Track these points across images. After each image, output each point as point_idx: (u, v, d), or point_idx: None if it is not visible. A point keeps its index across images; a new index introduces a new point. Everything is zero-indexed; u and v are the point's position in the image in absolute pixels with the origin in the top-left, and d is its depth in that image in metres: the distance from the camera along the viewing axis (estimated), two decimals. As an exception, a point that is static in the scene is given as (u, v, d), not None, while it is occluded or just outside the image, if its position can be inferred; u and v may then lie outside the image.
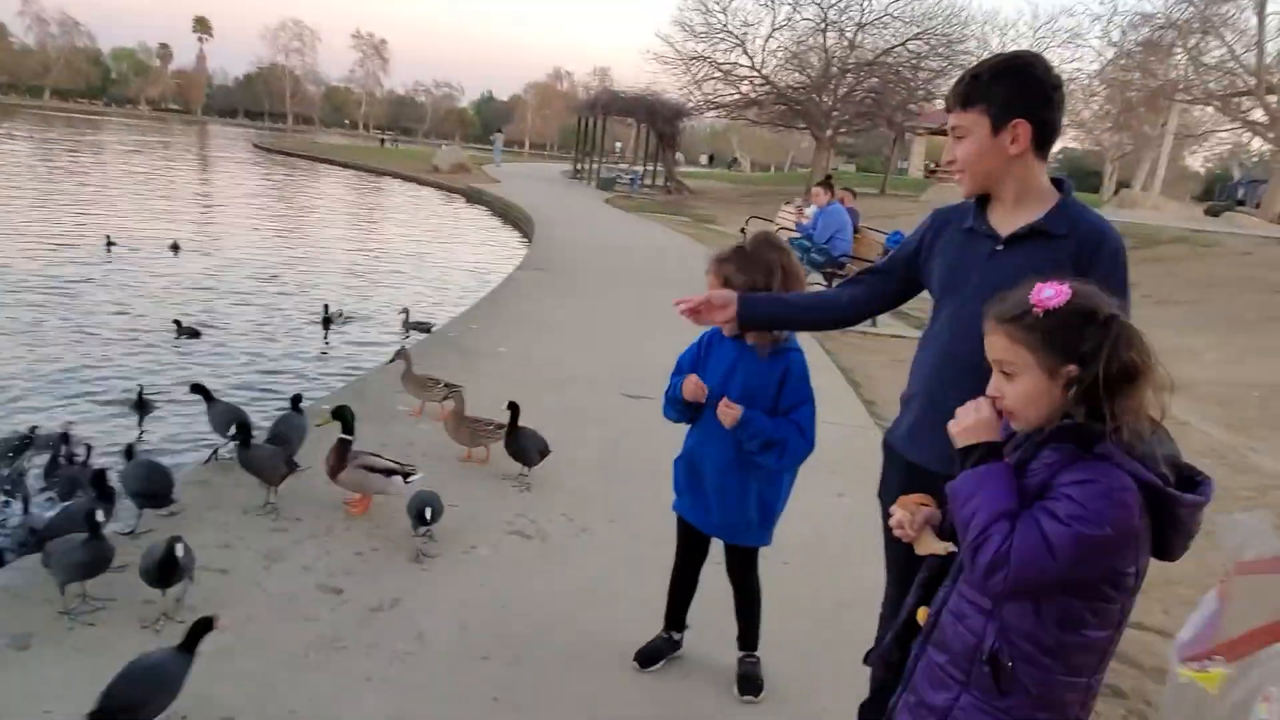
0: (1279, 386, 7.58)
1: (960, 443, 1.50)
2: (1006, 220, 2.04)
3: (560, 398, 5.60)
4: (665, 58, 31.90)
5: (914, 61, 30.22)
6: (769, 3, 31.29)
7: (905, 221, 14.08)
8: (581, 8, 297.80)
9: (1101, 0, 64.48)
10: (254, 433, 3.86)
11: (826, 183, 10.67)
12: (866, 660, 1.81)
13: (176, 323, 7.79)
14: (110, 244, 11.56)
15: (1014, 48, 31.19)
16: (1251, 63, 27.24)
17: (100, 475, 3.37)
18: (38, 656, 2.57)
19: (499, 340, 7.14)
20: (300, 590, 3.07)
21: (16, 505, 4.03)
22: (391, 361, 5.35)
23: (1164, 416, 1.41)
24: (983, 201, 2.10)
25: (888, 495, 2.13)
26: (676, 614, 2.89)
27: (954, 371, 2.00)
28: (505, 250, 16.35)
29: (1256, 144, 39.42)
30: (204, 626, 2.35)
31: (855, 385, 6.86)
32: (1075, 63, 35.47)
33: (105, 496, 3.27)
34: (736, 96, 32.20)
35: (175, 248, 11.96)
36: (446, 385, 4.95)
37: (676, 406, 2.62)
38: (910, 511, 1.65)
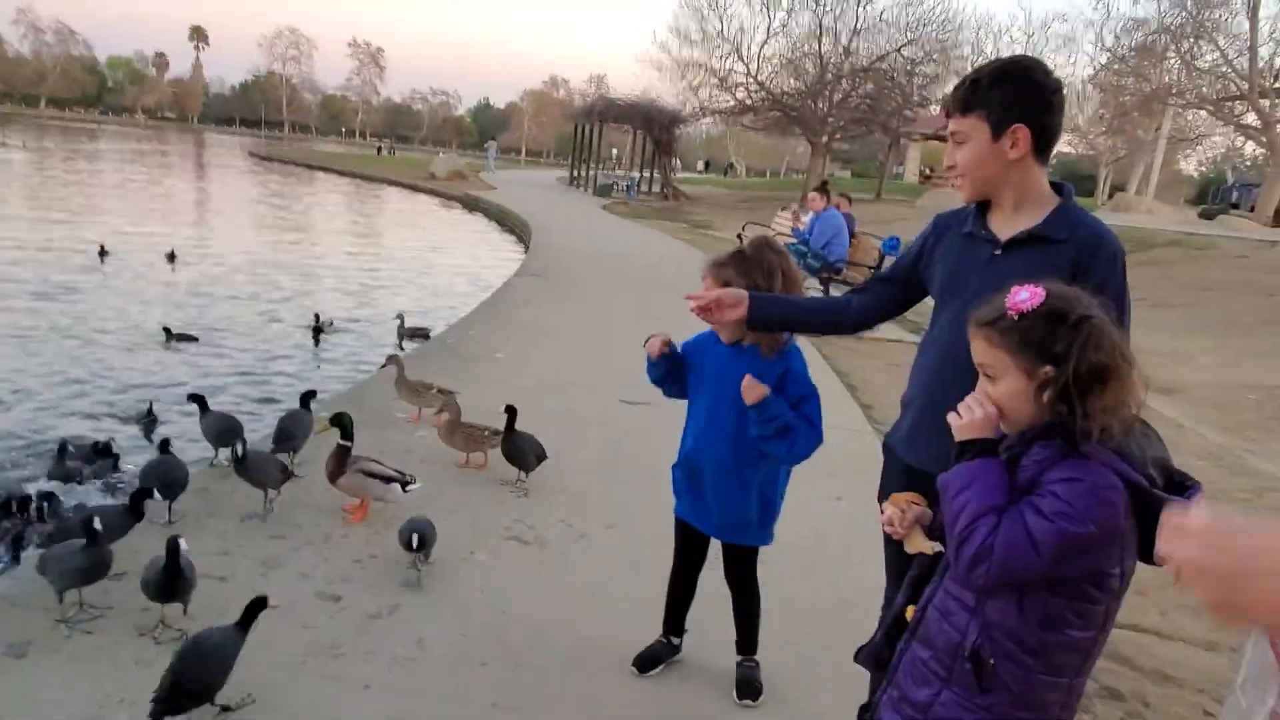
0: (1275, 389, 7.60)
1: (959, 436, 1.52)
2: (1006, 225, 2.05)
3: (558, 403, 5.60)
4: (661, 65, 32.12)
5: (909, 67, 30.35)
6: (764, 10, 31.50)
7: (901, 226, 14.13)
8: (578, 16, 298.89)
9: (1095, 5, 64.64)
10: (249, 437, 3.88)
11: (822, 188, 10.70)
12: (857, 658, 1.82)
13: (166, 330, 7.80)
14: (103, 253, 11.55)
15: (1008, 53, 31.35)
16: (1244, 67, 27.39)
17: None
18: (35, 664, 2.57)
19: (497, 346, 7.14)
20: (299, 597, 3.07)
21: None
22: (384, 367, 5.33)
23: (1138, 412, 1.43)
24: (983, 206, 2.11)
25: (887, 498, 2.14)
26: (675, 619, 2.89)
27: (953, 374, 2.01)
28: (502, 256, 16.37)
29: (1250, 148, 39.61)
30: (259, 605, 2.47)
31: (852, 389, 6.87)
32: (1069, 68, 35.54)
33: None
34: (732, 103, 32.33)
35: (171, 256, 11.96)
36: (440, 391, 4.95)
37: (655, 370, 2.63)
38: (901, 509, 1.67)
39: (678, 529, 2.80)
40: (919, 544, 1.64)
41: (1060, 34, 64.52)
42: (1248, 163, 49.15)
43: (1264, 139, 28.13)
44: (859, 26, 30.54)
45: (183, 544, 2.68)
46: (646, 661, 2.84)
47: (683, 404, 2.71)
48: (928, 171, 42.52)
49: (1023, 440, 1.48)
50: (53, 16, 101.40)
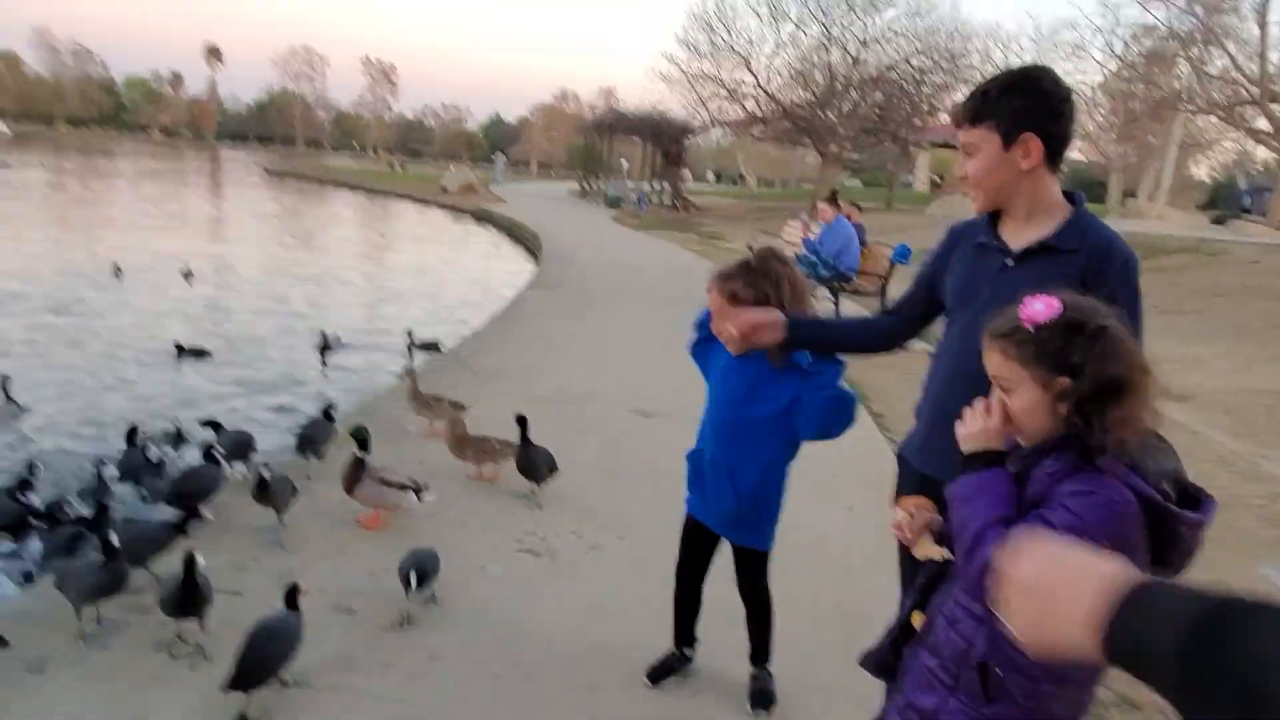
0: (1290, 395, 7.53)
1: (965, 447, 1.51)
2: (1018, 235, 2.05)
3: (570, 415, 5.62)
4: (670, 77, 32.18)
5: (917, 76, 30.32)
6: (773, 21, 31.55)
7: (911, 235, 14.10)
8: (587, 30, 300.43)
9: (1103, 13, 64.46)
10: (262, 449, 3.96)
11: (832, 198, 10.71)
12: (862, 662, 1.82)
13: (178, 345, 7.87)
14: (118, 271, 11.64)
15: (1016, 61, 31.36)
16: (1254, 72, 27.26)
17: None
18: (53, 680, 2.59)
19: (509, 359, 7.17)
20: (312, 611, 3.07)
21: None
22: (400, 379, 5.41)
23: (1153, 424, 1.41)
24: (995, 215, 2.11)
25: None
26: (684, 630, 2.89)
27: (965, 385, 2.01)
28: (514, 269, 16.43)
29: (1261, 153, 39.37)
30: (294, 590, 2.69)
31: (864, 399, 6.86)
32: (1079, 75, 35.39)
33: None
34: (742, 114, 32.37)
35: (188, 275, 12.04)
36: (452, 404, 4.98)
37: (701, 331, 2.64)
38: (909, 513, 1.66)
39: (685, 528, 2.80)
40: (929, 549, 1.64)
41: (1069, 41, 64.34)
42: (1259, 167, 48.82)
43: (1276, 144, 27.97)
44: (867, 37, 30.60)
45: (200, 560, 2.71)
46: (659, 673, 2.85)
47: (695, 416, 2.72)
48: (938, 180, 42.46)
49: (1035, 452, 1.47)
50: (70, 38, 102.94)
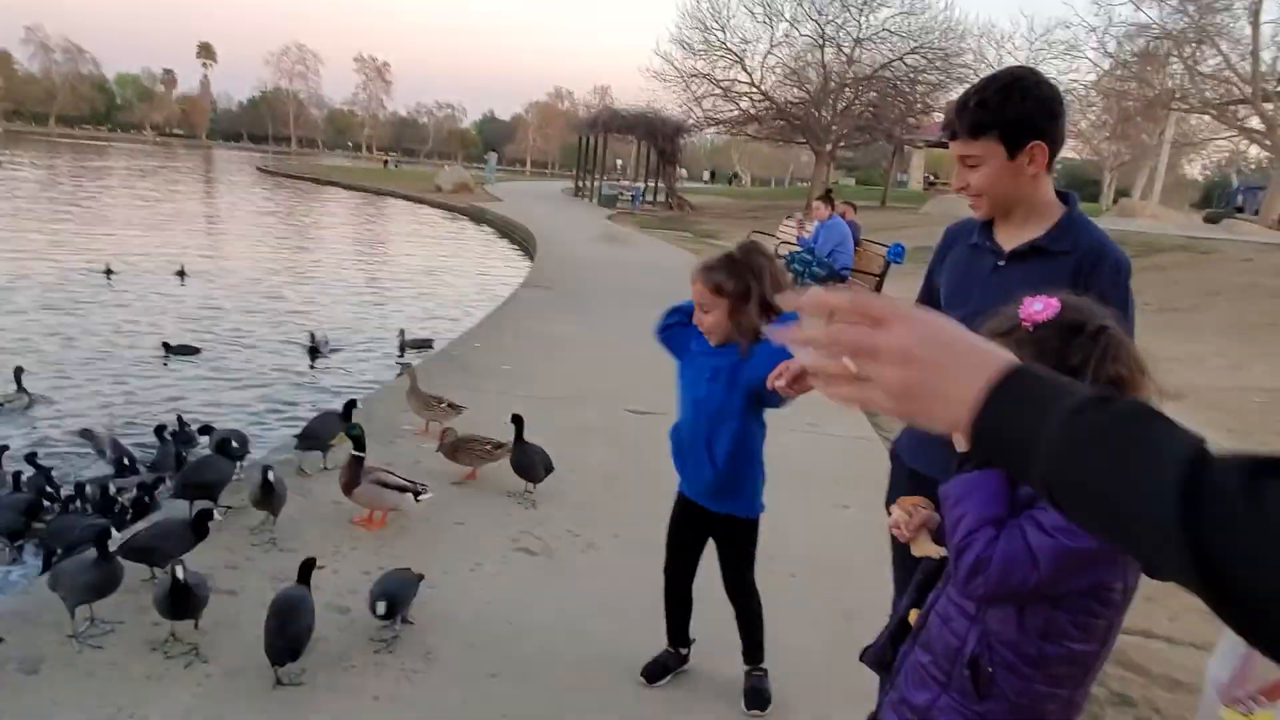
0: (1283, 392, 7.57)
1: (958, 445, 1.51)
2: (1011, 236, 2.06)
3: (564, 414, 5.61)
4: (665, 75, 32.14)
5: (912, 75, 30.41)
6: (767, 20, 31.58)
7: (906, 234, 14.11)
8: (582, 28, 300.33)
9: (1096, 12, 64.61)
10: (254, 449, 3.97)
11: (827, 197, 10.73)
12: (862, 657, 1.82)
13: (165, 344, 7.85)
14: (109, 272, 11.57)
15: (1010, 60, 31.45)
16: (1247, 71, 27.37)
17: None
18: (48, 680, 2.58)
19: (503, 358, 7.16)
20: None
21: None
22: (399, 376, 5.40)
23: None
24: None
25: (894, 504, 2.15)
26: (678, 630, 2.89)
27: None
28: (508, 267, 16.41)
29: (1254, 151, 39.51)
30: (310, 564, 2.80)
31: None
32: (1072, 74, 35.47)
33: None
34: (736, 113, 32.38)
35: (181, 274, 12.00)
36: (451, 405, 4.97)
37: (675, 317, 2.67)
38: (907, 512, 1.67)
39: (675, 506, 2.79)
40: (925, 547, 1.65)
41: (1063, 40, 64.49)
42: (1252, 166, 49.01)
43: (1268, 142, 28.07)
44: (861, 36, 30.66)
45: (178, 570, 2.64)
46: (654, 671, 2.85)
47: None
48: (932, 178, 42.58)
49: None
50: (61, 35, 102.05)
